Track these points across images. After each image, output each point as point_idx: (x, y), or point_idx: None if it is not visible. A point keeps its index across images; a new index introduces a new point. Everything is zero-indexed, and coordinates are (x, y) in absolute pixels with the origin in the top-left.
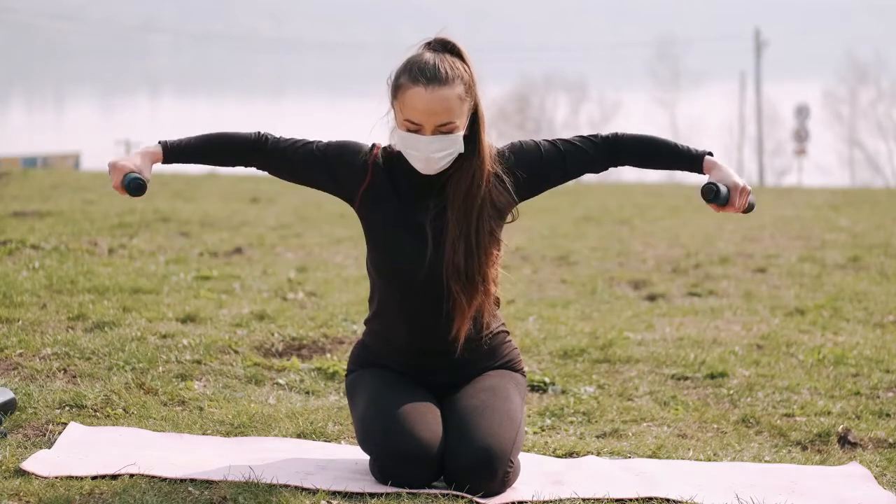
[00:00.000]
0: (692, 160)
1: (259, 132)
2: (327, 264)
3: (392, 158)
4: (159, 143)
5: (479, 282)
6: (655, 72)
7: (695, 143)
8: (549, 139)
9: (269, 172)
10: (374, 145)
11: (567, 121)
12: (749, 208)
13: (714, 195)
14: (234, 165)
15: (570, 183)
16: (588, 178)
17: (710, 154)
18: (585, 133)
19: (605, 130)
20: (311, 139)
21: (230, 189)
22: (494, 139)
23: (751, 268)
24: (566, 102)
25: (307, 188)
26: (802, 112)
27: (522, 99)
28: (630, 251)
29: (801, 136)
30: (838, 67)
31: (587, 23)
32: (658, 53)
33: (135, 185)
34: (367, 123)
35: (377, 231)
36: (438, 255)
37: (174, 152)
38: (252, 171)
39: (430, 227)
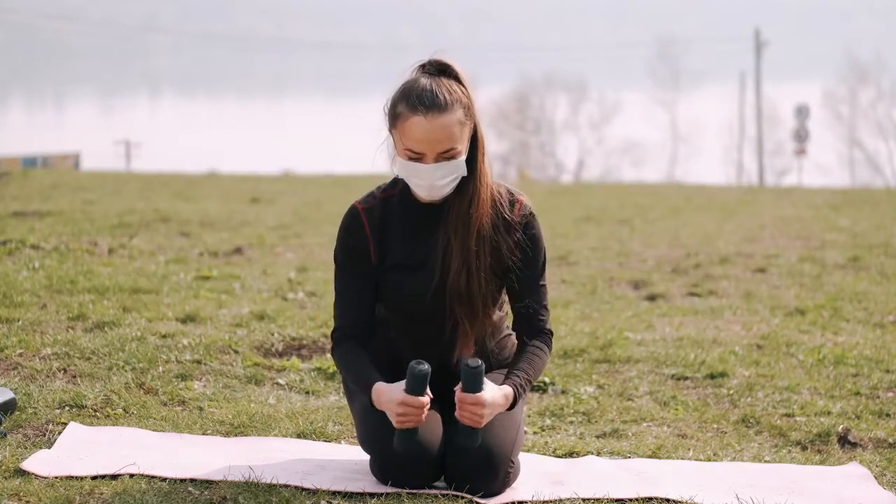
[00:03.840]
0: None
1: (342, 325)
2: (327, 264)
3: (387, 201)
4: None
5: (479, 305)
6: (655, 72)
7: (695, 142)
8: (541, 257)
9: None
10: (353, 206)
11: (567, 121)
12: (470, 439)
13: (475, 379)
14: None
15: (570, 182)
16: (588, 177)
17: (515, 401)
18: (543, 288)
19: (549, 320)
20: (337, 272)
21: (230, 189)
22: (494, 139)
23: (751, 268)
24: (566, 102)
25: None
26: (802, 112)
27: (522, 99)
28: (630, 251)
29: (801, 136)
30: (838, 67)
31: (587, 23)
32: (658, 53)
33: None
34: (366, 124)
35: (384, 272)
36: (442, 282)
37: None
38: (252, 170)
39: (434, 258)
